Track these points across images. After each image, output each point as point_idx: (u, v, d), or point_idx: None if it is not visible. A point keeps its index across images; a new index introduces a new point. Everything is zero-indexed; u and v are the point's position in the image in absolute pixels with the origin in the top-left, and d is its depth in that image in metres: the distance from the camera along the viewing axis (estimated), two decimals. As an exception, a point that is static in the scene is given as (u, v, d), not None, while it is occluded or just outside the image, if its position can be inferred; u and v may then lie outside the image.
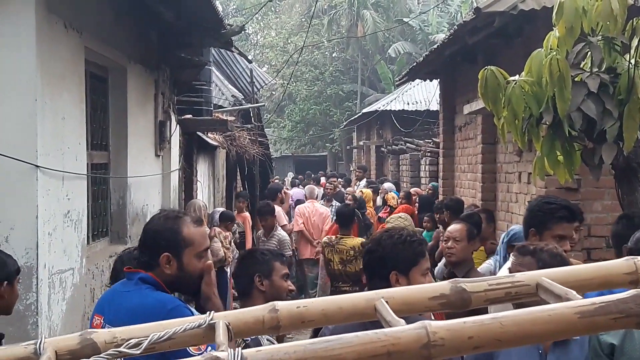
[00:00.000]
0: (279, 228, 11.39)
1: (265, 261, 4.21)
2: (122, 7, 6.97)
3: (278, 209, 13.32)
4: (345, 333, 1.21)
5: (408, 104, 25.87)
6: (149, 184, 8.19)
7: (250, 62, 17.56)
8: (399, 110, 25.50)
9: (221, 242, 10.12)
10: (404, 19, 35.82)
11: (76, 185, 5.57)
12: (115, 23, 6.80)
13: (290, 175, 36.01)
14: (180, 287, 3.57)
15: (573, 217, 4.86)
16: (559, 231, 4.72)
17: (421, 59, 13.13)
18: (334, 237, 9.15)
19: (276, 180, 27.81)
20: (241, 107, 16.52)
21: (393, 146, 23.42)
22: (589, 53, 5.10)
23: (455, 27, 10.13)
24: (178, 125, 10.01)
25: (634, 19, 4.86)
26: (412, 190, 15.34)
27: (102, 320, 3.51)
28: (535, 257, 3.79)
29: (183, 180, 10.98)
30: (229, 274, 9.97)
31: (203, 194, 13.41)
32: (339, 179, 22.32)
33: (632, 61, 4.75)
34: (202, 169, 13.70)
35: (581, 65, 5.15)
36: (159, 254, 3.44)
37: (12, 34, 4.60)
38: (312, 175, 31.80)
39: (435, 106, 18.76)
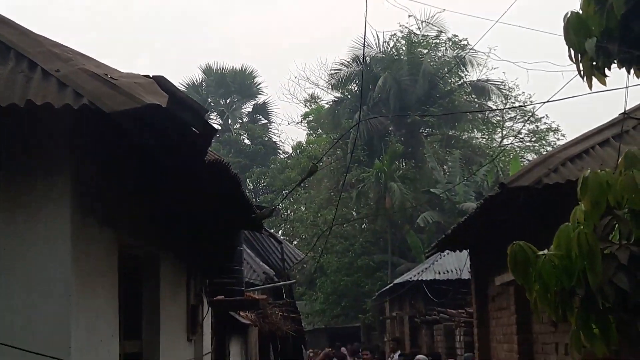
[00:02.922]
0: None
1: None
2: (155, 198, 7.16)
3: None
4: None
5: (439, 273, 25.83)
6: (181, 370, 8.13)
7: (280, 242, 17.77)
8: (431, 280, 25.43)
9: None
10: (431, 190, 36.27)
11: (109, 378, 5.55)
12: (148, 214, 6.96)
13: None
14: None
15: None
16: None
17: (449, 231, 13.20)
18: None
19: (310, 354, 27.41)
20: (272, 284, 16.57)
21: (426, 317, 23.18)
22: (617, 226, 5.12)
23: (482, 201, 10.24)
24: (210, 308, 10.03)
25: (659, 192, 4.89)
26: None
27: None
28: None
29: (216, 362, 10.89)
30: None
31: (236, 374, 13.25)
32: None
33: (661, 232, 4.76)
34: (234, 348, 13.58)
35: (610, 238, 5.16)
36: None
37: (48, 235, 4.77)
38: (348, 347, 31.44)
39: (466, 274, 18.68)
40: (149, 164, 6.35)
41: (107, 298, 5.58)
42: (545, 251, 5.11)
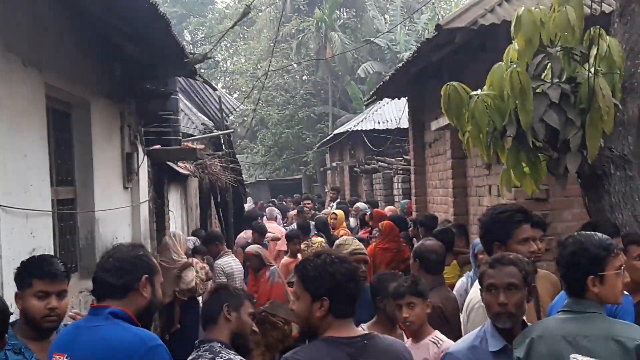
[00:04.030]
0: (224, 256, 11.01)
1: (237, 295, 4.32)
2: (84, 42, 6.93)
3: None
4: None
5: (379, 122, 25.97)
6: (117, 217, 8.11)
7: (215, 89, 17.57)
8: (370, 129, 25.58)
9: (196, 271, 10.01)
10: (372, 39, 35.98)
11: (41, 223, 5.50)
12: (77, 58, 6.75)
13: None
14: (146, 317, 3.54)
15: (529, 218, 4.83)
16: (522, 235, 4.67)
17: (387, 78, 13.17)
18: None
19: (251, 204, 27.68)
20: (210, 134, 16.45)
21: (366, 166, 23.43)
22: (549, 64, 5.13)
23: (418, 44, 10.16)
24: (146, 156, 9.94)
25: (592, 28, 4.89)
26: (387, 208, 15.33)
27: (64, 359, 3.43)
28: (518, 266, 3.82)
29: (154, 211, 10.89)
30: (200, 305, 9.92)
31: (176, 223, 13.33)
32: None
33: (592, 70, 4.77)
34: (174, 198, 13.61)
35: (542, 77, 5.18)
36: (139, 277, 3.44)
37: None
38: (289, 199, 31.81)
39: (405, 124, 18.80)
40: (74, 5, 6.11)
41: (35, 141, 5.46)
42: (479, 91, 5.11)
